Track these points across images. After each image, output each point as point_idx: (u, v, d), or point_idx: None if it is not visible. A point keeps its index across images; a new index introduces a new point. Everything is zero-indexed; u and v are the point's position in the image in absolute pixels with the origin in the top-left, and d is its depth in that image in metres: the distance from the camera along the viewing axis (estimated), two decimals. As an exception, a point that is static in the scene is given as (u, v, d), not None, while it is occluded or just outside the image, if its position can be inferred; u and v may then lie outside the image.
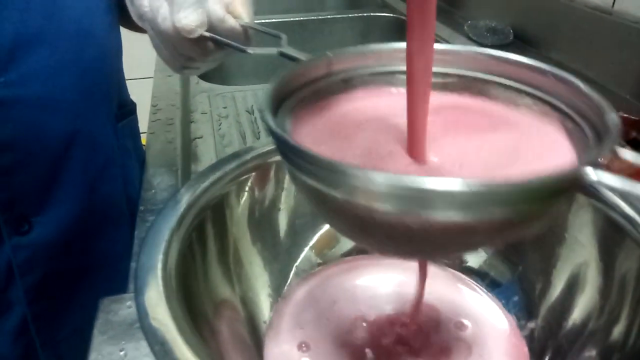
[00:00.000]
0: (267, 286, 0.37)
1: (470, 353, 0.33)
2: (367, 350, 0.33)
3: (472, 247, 0.24)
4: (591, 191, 0.21)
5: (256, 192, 0.37)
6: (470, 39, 0.88)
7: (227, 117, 0.70)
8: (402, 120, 0.26)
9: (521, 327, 0.34)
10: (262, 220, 0.37)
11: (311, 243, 0.39)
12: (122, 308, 0.38)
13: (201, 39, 0.34)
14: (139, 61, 0.98)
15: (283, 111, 0.25)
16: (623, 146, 0.51)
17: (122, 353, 0.35)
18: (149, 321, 0.24)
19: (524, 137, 0.25)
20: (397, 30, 1.04)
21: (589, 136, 0.23)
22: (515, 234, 0.22)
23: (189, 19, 0.33)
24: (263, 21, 0.91)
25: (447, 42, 0.87)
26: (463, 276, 0.38)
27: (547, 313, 0.34)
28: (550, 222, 0.33)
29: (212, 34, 0.34)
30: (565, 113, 0.25)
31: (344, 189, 0.19)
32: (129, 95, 0.56)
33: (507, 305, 0.36)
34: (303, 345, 0.33)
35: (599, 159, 0.19)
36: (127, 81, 0.57)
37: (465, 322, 0.35)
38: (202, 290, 0.31)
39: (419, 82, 0.24)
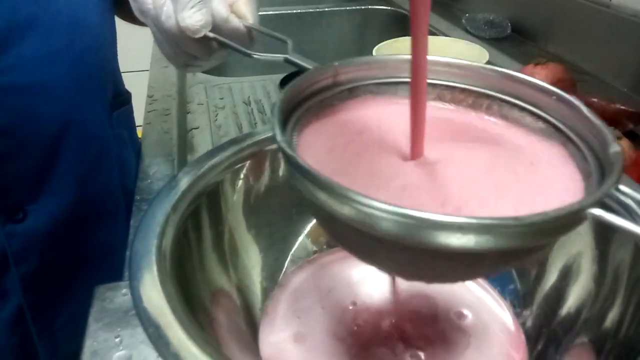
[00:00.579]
0: (262, 274, 0.37)
1: (469, 342, 0.33)
2: (364, 341, 0.33)
3: (476, 275, 0.25)
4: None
5: (251, 180, 0.37)
6: (468, 32, 0.88)
7: (224, 108, 0.69)
8: (404, 128, 0.26)
9: (517, 315, 0.34)
10: (257, 208, 0.37)
11: (307, 231, 0.39)
12: (118, 296, 0.38)
13: (205, 38, 0.34)
14: (135, 53, 0.98)
15: (291, 122, 0.25)
16: (620, 138, 0.51)
17: (117, 340, 0.35)
18: (143, 304, 0.24)
19: (526, 157, 0.25)
20: (395, 22, 1.04)
21: (590, 162, 0.23)
22: (516, 263, 0.22)
23: (194, 19, 0.32)
24: (261, 13, 0.92)
25: (445, 35, 0.87)
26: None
27: (542, 301, 0.34)
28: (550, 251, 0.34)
29: (215, 35, 0.34)
30: (567, 136, 0.25)
31: (349, 213, 0.19)
32: (124, 85, 0.56)
33: (503, 293, 0.36)
34: (298, 335, 0.33)
35: (603, 199, 0.19)
36: (122, 74, 0.57)
37: (465, 311, 0.35)
38: (199, 277, 0.31)
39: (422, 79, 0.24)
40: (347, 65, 0.28)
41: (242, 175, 0.36)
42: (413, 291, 0.36)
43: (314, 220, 0.39)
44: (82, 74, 0.43)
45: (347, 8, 1.05)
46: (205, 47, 0.35)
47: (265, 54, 0.33)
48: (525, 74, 0.27)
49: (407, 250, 0.20)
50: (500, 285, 0.36)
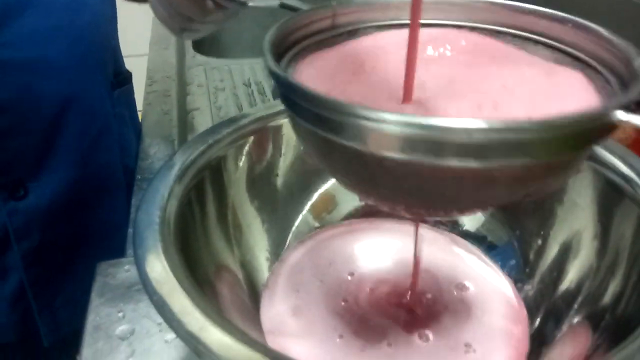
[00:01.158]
0: (265, 250, 0.37)
1: (470, 314, 0.33)
2: (363, 313, 0.33)
3: (485, 201, 0.22)
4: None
5: (254, 156, 0.37)
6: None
7: (224, 90, 0.69)
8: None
9: (518, 290, 0.35)
10: (260, 184, 0.37)
11: (309, 207, 0.39)
12: (120, 272, 0.38)
13: None
14: (134, 37, 0.97)
15: (285, 60, 0.24)
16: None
17: (120, 314, 0.35)
18: (147, 272, 0.24)
19: (543, 76, 0.24)
20: None
21: (612, 84, 0.22)
22: (531, 188, 0.21)
23: None
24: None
25: None
26: (461, 239, 0.38)
27: (544, 275, 0.34)
28: (571, 175, 0.30)
29: None
30: (586, 62, 0.24)
31: (351, 132, 0.18)
32: (124, 64, 0.56)
33: (504, 267, 0.36)
34: (297, 308, 0.33)
35: (630, 102, 0.18)
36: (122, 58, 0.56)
37: (467, 283, 0.35)
38: (203, 251, 0.31)
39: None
40: (346, 7, 0.27)
41: (244, 152, 0.36)
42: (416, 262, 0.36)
43: (316, 197, 0.39)
44: (82, 51, 0.43)
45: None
46: (200, 6, 0.34)
47: (259, 0, 0.32)
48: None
49: (413, 173, 0.19)
50: (502, 260, 0.36)
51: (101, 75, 0.47)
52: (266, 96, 0.67)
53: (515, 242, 0.36)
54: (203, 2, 0.34)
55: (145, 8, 0.39)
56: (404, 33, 0.24)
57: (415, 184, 0.20)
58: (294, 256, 0.37)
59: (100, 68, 0.47)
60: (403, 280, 0.35)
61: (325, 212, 0.39)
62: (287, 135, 0.38)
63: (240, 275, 0.34)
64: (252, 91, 0.69)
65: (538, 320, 0.33)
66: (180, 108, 0.63)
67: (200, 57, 0.78)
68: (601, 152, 0.32)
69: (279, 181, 0.38)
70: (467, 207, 0.23)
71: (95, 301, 0.36)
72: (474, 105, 0.22)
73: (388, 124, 0.17)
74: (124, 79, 0.54)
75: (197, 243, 0.31)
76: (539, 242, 0.35)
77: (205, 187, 0.33)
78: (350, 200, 0.40)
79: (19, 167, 0.42)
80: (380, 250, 0.38)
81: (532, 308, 0.34)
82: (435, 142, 0.17)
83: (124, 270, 0.38)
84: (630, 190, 0.30)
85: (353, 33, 0.27)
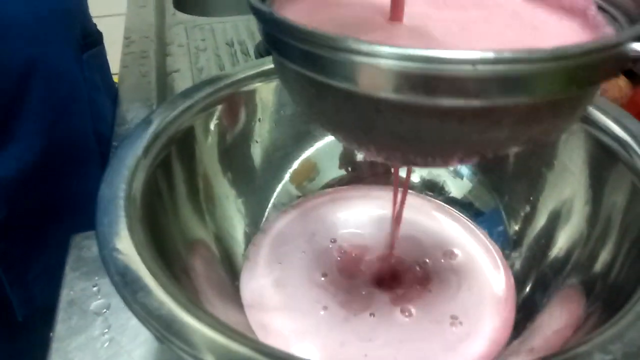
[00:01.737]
0: (243, 221, 0.35)
1: (458, 283, 0.32)
2: (347, 283, 0.32)
3: (486, 147, 0.21)
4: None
5: (226, 123, 0.35)
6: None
7: (206, 50, 0.66)
8: None
9: (506, 257, 0.34)
10: (235, 153, 0.35)
11: (289, 175, 0.37)
12: (94, 245, 0.36)
13: None
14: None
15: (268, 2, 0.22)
16: (618, 76, 0.49)
17: (95, 289, 0.34)
18: (109, 250, 0.23)
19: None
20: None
21: (620, 20, 0.21)
22: (535, 130, 0.19)
23: None
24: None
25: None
26: (447, 206, 0.37)
27: (532, 242, 0.33)
28: (575, 120, 0.26)
29: None
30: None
31: (342, 68, 0.16)
32: (94, 25, 0.52)
33: (492, 235, 0.35)
34: (279, 279, 0.32)
35: None
36: (96, 18, 0.53)
37: (455, 250, 0.34)
38: (173, 227, 0.30)
39: None
40: None
41: (215, 119, 0.34)
42: (400, 234, 0.35)
43: (297, 164, 0.37)
44: (42, 9, 0.40)
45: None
46: None
47: None
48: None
49: (410, 116, 0.17)
50: (489, 227, 0.35)
51: (66, 36, 0.44)
52: (250, 56, 0.64)
53: (502, 209, 0.35)
54: None
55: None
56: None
57: (413, 128, 0.18)
58: (276, 227, 0.35)
59: (65, 28, 0.43)
60: (389, 249, 0.34)
61: (306, 180, 0.38)
62: (264, 101, 0.36)
63: (215, 249, 0.32)
64: (235, 51, 0.66)
65: (527, 289, 0.32)
66: (159, 70, 0.60)
67: (180, 15, 0.75)
68: (594, 112, 0.30)
69: (256, 150, 0.36)
70: (467, 154, 0.21)
71: (69, 275, 0.35)
72: (468, 40, 0.20)
73: (383, 57, 0.16)
74: (94, 40, 0.50)
75: (167, 219, 0.29)
76: (528, 208, 0.34)
77: (174, 160, 0.31)
78: (333, 167, 0.39)
79: (-18, 135, 0.40)
80: (366, 218, 0.36)
81: (520, 276, 0.33)
82: (435, 77, 0.16)
83: (99, 243, 0.36)
84: (624, 154, 0.29)
85: None
